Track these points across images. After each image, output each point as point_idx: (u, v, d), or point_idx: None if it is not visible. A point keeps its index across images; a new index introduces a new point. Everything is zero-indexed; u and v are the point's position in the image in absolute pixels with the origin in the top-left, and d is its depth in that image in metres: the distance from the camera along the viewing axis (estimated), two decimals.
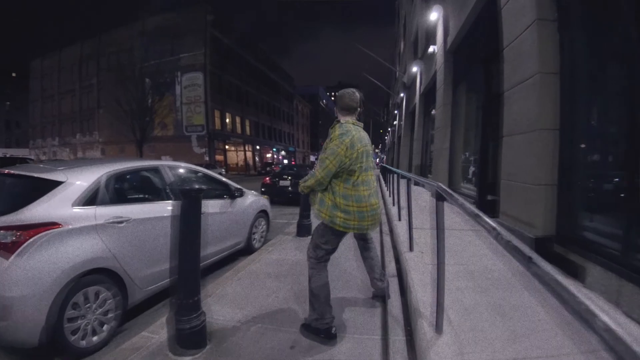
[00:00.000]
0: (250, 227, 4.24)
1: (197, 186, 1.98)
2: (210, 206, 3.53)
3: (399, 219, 5.08)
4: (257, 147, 40.27)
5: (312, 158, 62.44)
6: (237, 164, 35.37)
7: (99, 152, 39.07)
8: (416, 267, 2.94)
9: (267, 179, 8.95)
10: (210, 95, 31.14)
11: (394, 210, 5.73)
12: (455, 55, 7.25)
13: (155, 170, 3.17)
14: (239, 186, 4.20)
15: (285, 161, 46.69)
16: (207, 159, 29.92)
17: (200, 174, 3.80)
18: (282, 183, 8.51)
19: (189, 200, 1.95)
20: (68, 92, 40.56)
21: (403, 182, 6.54)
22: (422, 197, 7.40)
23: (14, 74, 54.26)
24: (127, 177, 2.92)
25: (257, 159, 39.76)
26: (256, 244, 4.42)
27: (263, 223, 4.63)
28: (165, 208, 2.95)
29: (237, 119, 35.68)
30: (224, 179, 4.10)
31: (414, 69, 11.93)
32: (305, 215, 4.60)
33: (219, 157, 32.54)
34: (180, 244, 1.93)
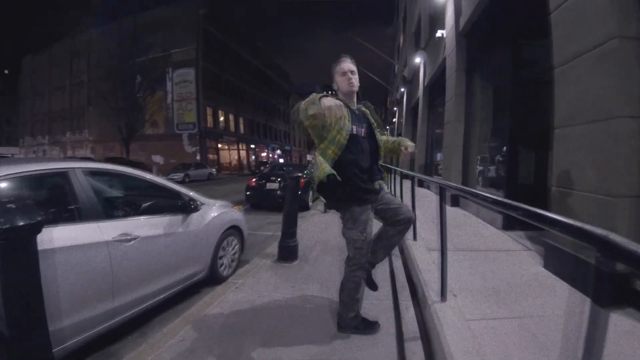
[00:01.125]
0: (214, 249, 3.20)
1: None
2: (149, 227, 2.50)
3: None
4: (252, 145, 39.13)
5: (309, 157, 61.23)
6: (230, 163, 34.23)
7: (88, 151, 38.11)
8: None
9: (253, 180, 7.83)
10: (202, 92, 29.98)
11: None
12: (469, 37, 6.24)
13: (62, 176, 2.13)
14: (197, 196, 3.17)
15: (282, 160, 45.58)
16: (198, 157, 28.79)
17: (137, 180, 2.76)
18: (270, 185, 7.45)
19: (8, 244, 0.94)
20: (58, 89, 39.62)
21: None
22: (428, 199, 6.41)
23: (6, 71, 52.95)
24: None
25: (252, 158, 38.63)
26: (225, 271, 3.39)
27: (235, 242, 3.59)
28: (72, 234, 1.94)
29: (231, 117, 34.52)
30: (175, 187, 3.05)
31: (417, 59, 10.91)
32: (289, 233, 3.52)
33: (212, 156, 31.42)
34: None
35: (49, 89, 40.10)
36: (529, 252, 3.40)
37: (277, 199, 7.09)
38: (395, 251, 3.85)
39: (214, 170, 22.41)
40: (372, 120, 2.11)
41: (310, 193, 7.58)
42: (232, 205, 3.84)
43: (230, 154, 34.67)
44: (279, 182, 7.26)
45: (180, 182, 19.48)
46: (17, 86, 44.28)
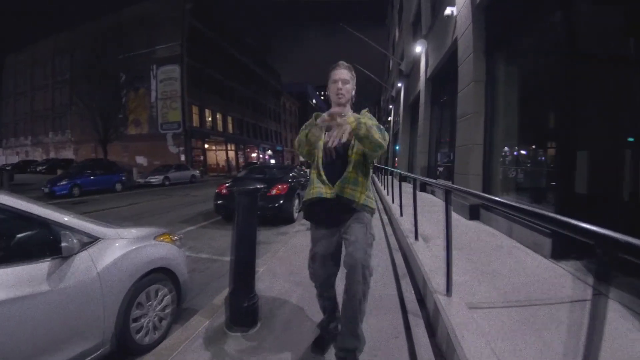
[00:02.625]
0: (120, 308, 1.93)
1: None
2: None
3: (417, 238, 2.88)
4: (242, 145, 37.64)
5: (302, 157, 59.64)
6: (218, 165, 32.72)
7: (70, 152, 36.50)
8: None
9: (223, 187, 6.31)
10: (188, 90, 28.45)
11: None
12: (489, 12, 5.06)
13: None
14: (90, 225, 1.89)
15: (273, 161, 44.18)
16: (183, 158, 27.27)
17: None
18: None
19: None
20: (41, 88, 38.11)
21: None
22: (437, 208, 5.23)
23: None
24: None
25: (241, 158, 37.13)
26: (146, 337, 2.11)
27: (162, 294, 2.28)
28: None
29: (219, 116, 32.98)
30: (51, 214, 1.77)
31: (417, 49, 9.73)
32: (242, 288, 2.15)
33: (198, 157, 29.89)
34: None
35: (31, 88, 38.70)
36: (619, 308, 2.16)
37: None
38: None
39: (197, 172, 20.88)
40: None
41: (296, 202, 6.31)
42: (163, 232, 2.51)
43: (217, 154, 33.16)
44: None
45: (160, 186, 18.16)
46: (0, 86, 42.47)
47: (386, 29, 28.50)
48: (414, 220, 3.91)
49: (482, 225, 4.72)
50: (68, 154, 35.89)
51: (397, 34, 19.60)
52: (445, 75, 7.69)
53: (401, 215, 5.23)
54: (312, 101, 77.70)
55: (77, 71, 28.16)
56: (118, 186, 15.47)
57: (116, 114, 22.60)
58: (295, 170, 7.21)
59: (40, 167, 28.46)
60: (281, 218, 6.05)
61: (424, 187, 8.95)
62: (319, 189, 1.77)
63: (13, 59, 40.75)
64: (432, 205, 6.89)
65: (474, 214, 4.98)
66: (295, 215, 6.41)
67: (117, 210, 9.20)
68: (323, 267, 1.84)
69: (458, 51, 5.86)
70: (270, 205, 5.76)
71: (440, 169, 8.47)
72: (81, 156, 32.91)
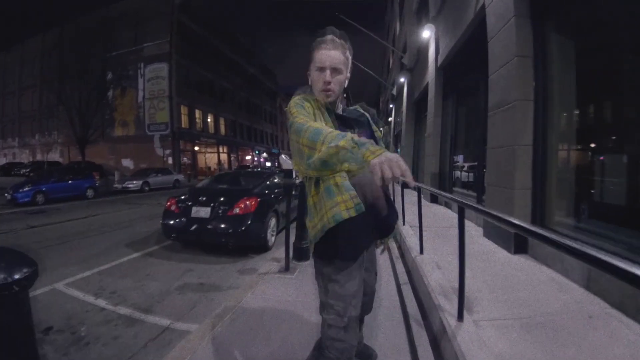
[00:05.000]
0: None
1: None
2: None
3: None
4: (235, 148, 36.07)
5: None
6: (210, 168, 31.13)
7: (57, 154, 35.14)
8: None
9: (172, 201, 4.75)
10: (176, 89, 26.92)
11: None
12: None
13: None
14: None
15: (268, 164, 42.60)
16: (168, 160, 25.70)
17: None
18: (198, 212, 4.42)
19: None
20: (29, 88, 36.75)
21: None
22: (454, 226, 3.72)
23: None
24: None
25: (234, 162, 35.55)
26: None
27: None
28: None
29: (210, 117, 31.42)
30: None
31: (425, 34, 8.27)
32: None
33: (187, 160, 28.33)
34: None
35: (19, 88, 37.41)
36: None
37: (210, 234, 4.25)
38: None
39: (181, 176, 19.24)
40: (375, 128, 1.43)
41: (273, 221, 4.75)
42: None
43: (205, 157, 31.56)
44: (213, 206, 4.36)
45: (138, 192, 16.58)
46: None
47: (384, 28, 27.16)
48: (419, 239, 2.46)
49: (534, 264, 3.21)
50: (55, 156, 34.64)
51: (397, 27, 18.19)
52: (464, 59, 6.21)
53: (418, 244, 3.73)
54: None
55: (61, 69, 26.77)
56: (90, 192, 13.93)
57: (95, 113, 20.99)
58: (276, 176, 5.63)
59: (25, 170, 27.04)
60: (248, 246, 4.53)
61: (435, 198, 7.44)
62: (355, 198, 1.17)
63: (2, 58, 39.45)
64: (444, 218, 5.39)
65: (520, 245, 3.47)
66: (272, 240, 4.84)
67: (68, 224, 7.69)
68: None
69: (487, 22, 4.38)
70: (230, 231, 4.20)
71: (457, 175, 6.96)
72: (67, 158, 31.69)
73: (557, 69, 3.50)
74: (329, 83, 1.22)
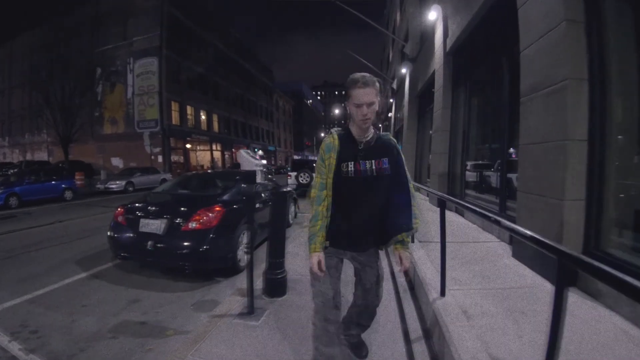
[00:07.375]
0: None
1: None
2: None
3: None
4: (229, 145, 35.01)
5: (296, 157, 56.92)
6: (203, 166, 30.10)
7: (46, 154, 34.14)
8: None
9: (121, 211, 3.77)
10: (166, 85, 25.82)
11: None
12: None
13: None
14: None
15: (264, 162, 41.50)
16: (158, 159, 24.68)
17: None
18: (147, 226, 3.45)
19: None
20: (18, 86, 35.49)
21: None
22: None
23: None
24: None
25: (229, 159, 34.52)
26: None
27: None
28: None
29: (202, 113, 30.33)
30: None
31: (432, 15, 7.34)
32: None
33: (178, 158, 27.30)
34: None
35: (9, 87, 36.25)
36: None
37: (162, 255, 3.34)
38: None
39: (169, 175, 18.21)
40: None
41: (243, 236, 3.80)
42: None
43: (200, 155, 30.52)
44: (167, 219, 3.38)
45: (122, 192, 15.58)
46: None
47: (384, 21, 26.15)
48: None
49: (591, 305, 2.30)
50: (44, 155, 33.62)
51: (397, 18, 17.22)
52: (481, 38, 5.28)
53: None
54: (309, 101, 75.02)
55: (47, 65, 25.71)
56: (68, 194, 12.98)
57: (79, 109, 19.95)
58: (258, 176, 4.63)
59: (13, 170, 26.04)
60: (210, 269, 3.62)
61: (442, 202, 6.52)
62: None
63: None
64: (458, 227, 4.48)
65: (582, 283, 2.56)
66: (245, 259, 3.81)
67: (29, 232, 6.80)
68: None
69: None
70: (185, 251, 3.28)
71: (473, 175, 6.02)
72: (56, 158, 30.68)
73: (619, 36, 2.59)
74: (366, 115, 1.51)
